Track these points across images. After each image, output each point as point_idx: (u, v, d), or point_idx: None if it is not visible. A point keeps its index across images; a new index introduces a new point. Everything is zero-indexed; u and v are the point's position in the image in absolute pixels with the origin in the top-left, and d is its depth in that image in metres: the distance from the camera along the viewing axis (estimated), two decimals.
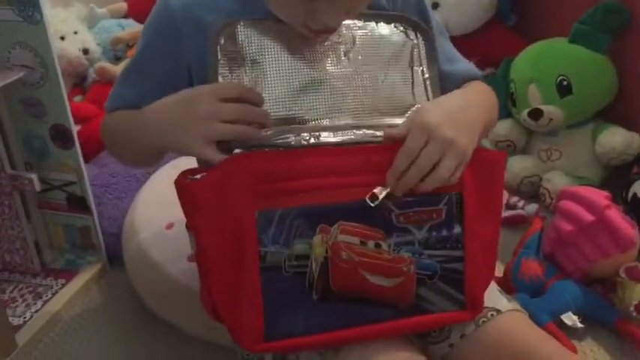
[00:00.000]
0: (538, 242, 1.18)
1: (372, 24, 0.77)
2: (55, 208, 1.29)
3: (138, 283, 1.18)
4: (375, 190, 0.69)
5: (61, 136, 1.21)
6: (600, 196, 1.12)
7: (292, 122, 0.71)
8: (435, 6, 1.78)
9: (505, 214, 1.38)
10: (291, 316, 0.69)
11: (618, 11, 1.40)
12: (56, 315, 1.18)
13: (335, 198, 0.68)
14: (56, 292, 1.23)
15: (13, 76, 1.13)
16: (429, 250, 0.72)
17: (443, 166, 0.69)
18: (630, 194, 1.29)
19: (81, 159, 1.23)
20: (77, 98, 1.72)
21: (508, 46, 1.71)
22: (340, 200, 0.69)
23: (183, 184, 0.68)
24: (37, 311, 1.18)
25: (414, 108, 0.75)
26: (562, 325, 1.08)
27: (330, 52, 0.75)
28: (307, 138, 0.70)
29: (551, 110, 1.44)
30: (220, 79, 0.71)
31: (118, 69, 1.69)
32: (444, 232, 0.73)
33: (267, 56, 0.72)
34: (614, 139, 1.39)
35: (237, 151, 0.69)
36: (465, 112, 0.72)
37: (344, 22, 0.75)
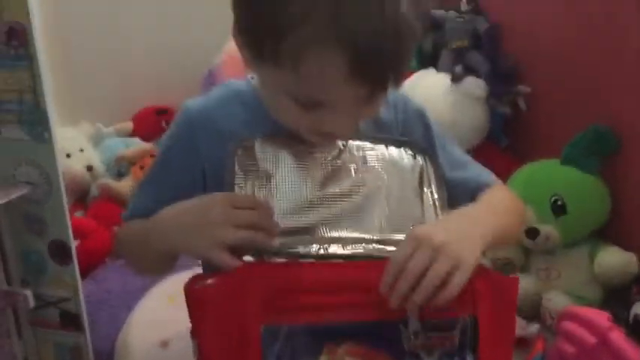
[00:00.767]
0: None
1: (382, 146, 0.81)
2: (47, 326, 1.26)
3: None
4: None
5: (60, 252, 1.20)
6: (602, 318, 1.11)
7: (303, 233, 0.72)
8: None
9: None
10: None
11: (606, 137, 1.44)
12: None
13: (343, 316, 0.67)
14: None
15: (17, 192, 1.13)
16: None
17: (433, 270, 0.65)
18: (631, 315, 1.27)
19: (78, 275, 1.21)
20: (78, 213, 1.73)
21: (501, 167, 1.73)
22: (348, 319, 0.67)
23: (194, 289, 0.68)
24: None
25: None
26: None
27: (342, 171, 0.77)
28: (316, 249, 0.71)
29: (548, 229, 1.45)
30: (237, 188, 0.74)
31: (120, 186, 1.72)
32: None
33: (280, 171, 0.75)
34: (612, 259, 1.39)
35: (246, 258, 0.69)
36: (458, 221, 0.72)
37: (354, 143, 0.79)
